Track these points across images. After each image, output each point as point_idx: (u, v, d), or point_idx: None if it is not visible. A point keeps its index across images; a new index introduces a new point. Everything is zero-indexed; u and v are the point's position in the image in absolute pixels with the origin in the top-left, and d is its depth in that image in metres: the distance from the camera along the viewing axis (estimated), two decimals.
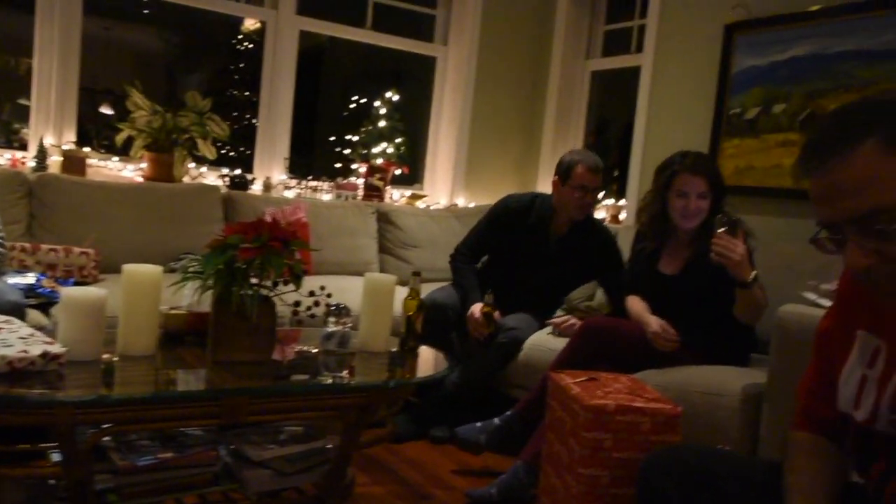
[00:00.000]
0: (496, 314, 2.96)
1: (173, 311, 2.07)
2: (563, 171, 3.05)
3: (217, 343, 1.87)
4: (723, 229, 2.28)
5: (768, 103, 3.38)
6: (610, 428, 1.83)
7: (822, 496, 1.10)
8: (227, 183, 3.88)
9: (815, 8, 3.20)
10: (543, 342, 2.95)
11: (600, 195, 3.56)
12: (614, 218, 4.12)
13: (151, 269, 1.86)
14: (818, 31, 3.19)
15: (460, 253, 3.28)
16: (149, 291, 1.85)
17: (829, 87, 3.14)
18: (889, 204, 0.89)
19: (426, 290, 3.24)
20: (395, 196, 4.44)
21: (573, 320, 2.97)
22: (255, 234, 1.89)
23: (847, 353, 1.11)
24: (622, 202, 4.14)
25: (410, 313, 2.27)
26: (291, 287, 1.94)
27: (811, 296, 2.20)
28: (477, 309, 2.96)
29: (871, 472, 1.06)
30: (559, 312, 3.10)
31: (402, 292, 2.38)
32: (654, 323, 2.55)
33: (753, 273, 2.35)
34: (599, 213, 4.08)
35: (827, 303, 2.14)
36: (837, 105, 3.35)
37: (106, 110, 4.70)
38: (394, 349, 2.24)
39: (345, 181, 4.27)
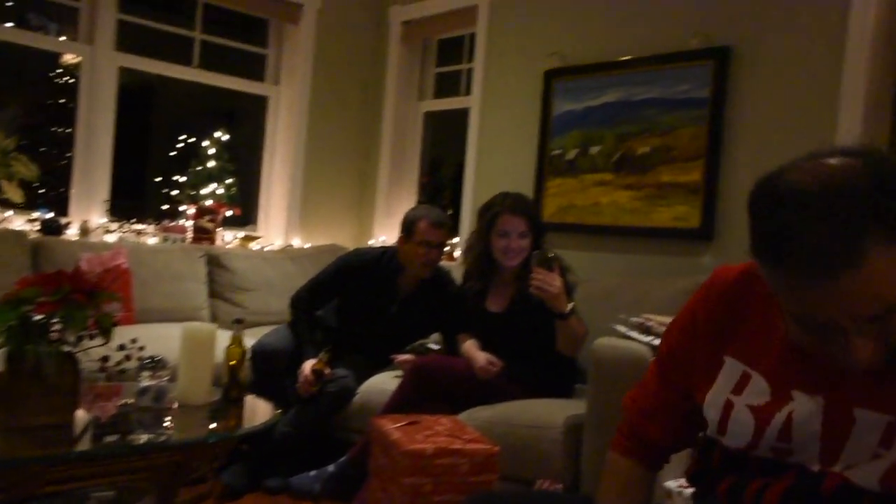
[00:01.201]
0: (327, 371, 2.88)
1: None
2: (407, 228, 3.01)
3: (9, 407, 1.70)
4: (540, 264, 2.41)
5: (585, 145, 3.59)
6: (429, 472, 1.83)
7: None
8: (38, 227, 3.59)
9: (624, 58, 3.47)
10: (379, 384, 2.93)
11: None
12: (448, 256, 4.20)
13: None
14: (626, 80, 3.45)
15: (300, 299, 3.16)
16: None
17: (637, 132, 3.39)
18: None
19: (261, 332, 3.15)
20: (228, 238, 4.30)
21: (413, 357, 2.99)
22: (55, 286, 1.76)
23: (710, 379, 1.11)
24: (455, 240, 4.23)
25: (233, 362, 2.19)
26: (99, 341, 1.82)
27: (621, 328, 2.33)
28: (308, 366, 2.85)
29: (719, 488, 1.08)
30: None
31: (226, 339, 2.30)
32: (481, 358, 2.61)
33: (570, 305, 2.48)
34: None
35: (636, 335, 2.28)
36: (646, 147, 3.52)
37: None
38: (217, 400, 2.15)
39: (172, 223, 4.08)
